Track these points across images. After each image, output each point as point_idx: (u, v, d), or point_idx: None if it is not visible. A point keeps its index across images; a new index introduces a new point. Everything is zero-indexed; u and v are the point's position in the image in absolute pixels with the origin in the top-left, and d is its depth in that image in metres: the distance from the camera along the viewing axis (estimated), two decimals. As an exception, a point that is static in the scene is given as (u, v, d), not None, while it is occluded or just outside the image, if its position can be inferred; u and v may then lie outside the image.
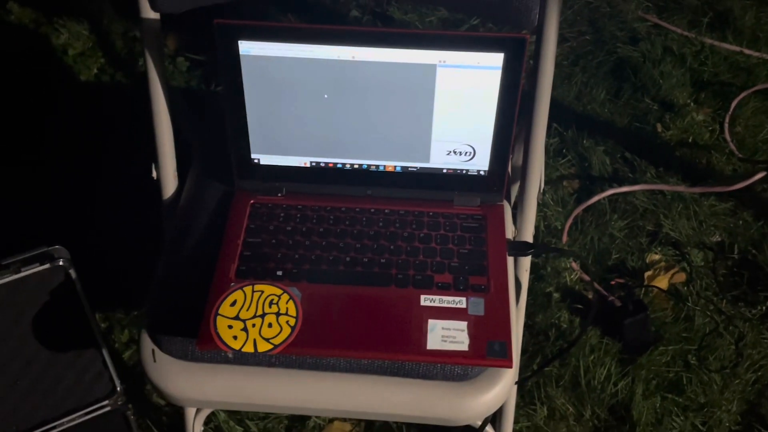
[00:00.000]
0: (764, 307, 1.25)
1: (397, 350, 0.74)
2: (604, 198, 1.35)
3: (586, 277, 1.27)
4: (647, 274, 1.27)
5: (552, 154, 1.42)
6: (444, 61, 0.76)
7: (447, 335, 0.75)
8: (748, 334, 1.22)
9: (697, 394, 1.16)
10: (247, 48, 0.76)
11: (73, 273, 0.94)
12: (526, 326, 1.22)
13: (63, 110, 1.48)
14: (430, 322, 0.76)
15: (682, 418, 1.14)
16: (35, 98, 1.50)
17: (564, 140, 1.44)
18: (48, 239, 0.93)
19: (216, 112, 1.02)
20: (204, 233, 0.86)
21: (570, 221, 1.32)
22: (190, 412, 1.05)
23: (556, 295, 1.25)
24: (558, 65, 1.56)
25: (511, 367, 0.74)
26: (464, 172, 0.85)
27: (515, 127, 0.81)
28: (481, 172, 0.84)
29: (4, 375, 0.97)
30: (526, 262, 0.91)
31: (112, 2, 1.61)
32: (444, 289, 0.78)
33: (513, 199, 0.94)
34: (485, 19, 1.37)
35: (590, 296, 1.26)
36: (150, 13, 0.84)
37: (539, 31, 0.81)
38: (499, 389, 0.77)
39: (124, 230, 1.28)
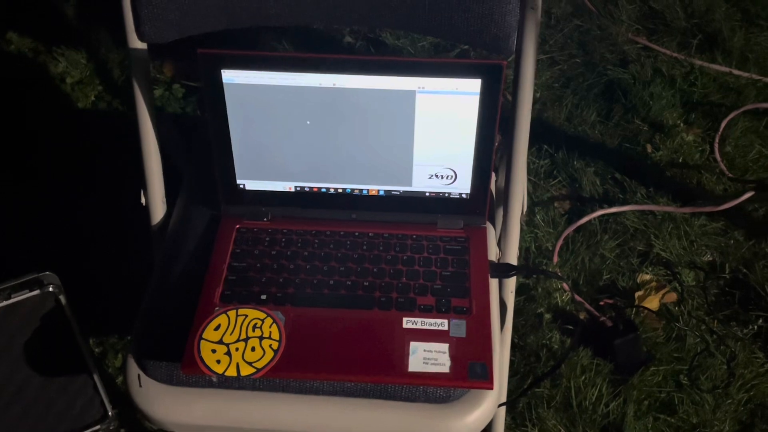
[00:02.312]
0: (756, 327, 1.25)
1: (379, 373, 0.75)
2: (594, 219, 1.36)
3: (578, 298, 1.28)
4: (638, 294, 1.27)
5: (543, 176, 1.43)
6: (423, 88, 0.78)
7: (429, 357, 0.76)
8: (739, 354, 1.22)
9: (689, 414, 1.16)
10: (230, 76, 0.78)
11: (63, 299, 0.95)
12: (518, 347, 1.23)
13: (59, 136, 1.50)
14: (412, 344, 0.76)
15: (674, 438, 1.14)
16: (32, 124, 1.52)
17: (555, 161, 1.45)
18: (39, 265, 0.95)
19: (204, 139, 1.04)
20: (191, 258, 0.87)
21: (560, 242, 1.33)
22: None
23: (547, 315, 1.26)
24: (549, 87, 1.58)
25: (492, 388, 0.75)
26: (446, 195, 0.86)
27: (495, 150, 0.82)
28: (463, 195, 0.85)
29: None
30: (511, 283, 0.91)
31: (109, 32, 1.64)
32: (426, 312, 0.79)
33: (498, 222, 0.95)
34: (466, 45, 1.39)
35: (581, 317, 1.26)
36: (137, 43, 0.86)
37: (517, 57, 0.82)
38: (482, 411, 0.77)
39: (117, 255, 1.30)
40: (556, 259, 1.32)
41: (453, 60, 0.75)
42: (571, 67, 1.61)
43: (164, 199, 0.94)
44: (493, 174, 0.97)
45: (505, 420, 1.13)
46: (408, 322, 0.78)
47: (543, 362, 1.20)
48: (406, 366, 0.75)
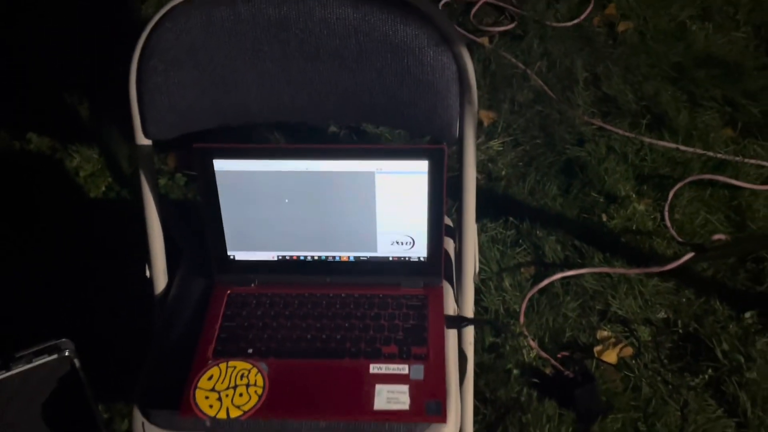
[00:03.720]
0: (706, 376, 1.37)
1: (349, 412, 0.87)
2: (556, 282, 1.50)
3: (543, 354, 1.40)
4: (597, 348, 1.39)
5: (509, 244, 1.58)
6: (381, 169, 0.93)
7: (391, 397, 0.88)
8: (692, 402, 1.33)
9: (647, 458, 1.27)
10: (220, 165, 0.94)
11: (77, 363, 1.07)
12: (489, 401, 1.34)
13: (74, 221, 1.66)
14: (377, 386, 0.89)
15: (634, 481, 1.24)
16: (49, 211, 1.68)
17: (520, 231, 1.60)
18: (56, 332, 1.08)
19: (200, 219, 1.19)
20: (188, 321, 1.00)
21: (525, 303, 1.46)
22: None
23: (515, 371, 1.37)
24: (514, 166, 1.75)
25: (445, 422, 0.87)
26: (407, 259, 1.00)
27: (443, 220, 0.97)
28: (421, 259, 1.00)
29: (14, 458, 1.09)
30: (468, 335, 1.04)
31: (118, 130, 1.82)
32: (390, 359, 0.92)
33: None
34: (419, 134, 1.55)
35: (547, 371, 1.38)
36: (143, 140, 1.02)
37: (460, 142, 0.98)
38: (440, 446, 0.89)
39: (124, 322, 1.42)
40: (522, 319, 1.45)
41: (404, 146, 0.89)
42: (533, 148, 1.78)
43: (166, 272, 1.09)
44: (452, 240, 1.12)
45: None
46: (374, 368, 0.91)
47: (511, 414, 1.31)
48: (372, 405, 0.87)
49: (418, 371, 0.90)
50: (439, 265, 1.00)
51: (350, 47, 0.94)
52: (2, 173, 1.77)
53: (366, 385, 0.89)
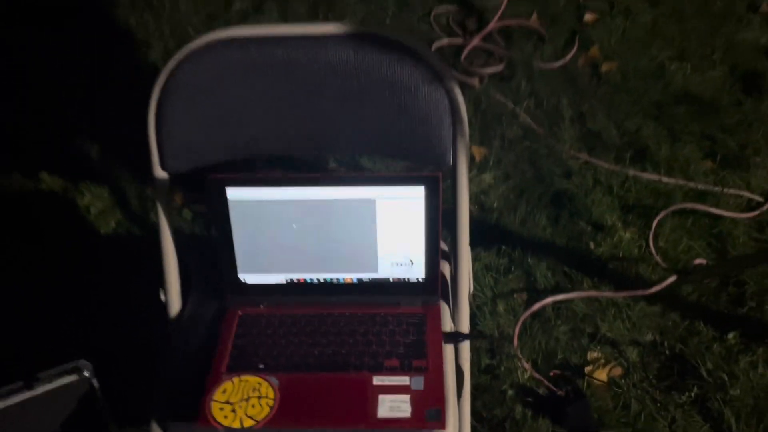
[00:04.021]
0: (692, 394, 1.43)
1: (355, 420, 0.94)
2: (548, 306, 1.57)
3: (536, 375, 1.46)
4: (587, 369, 1.46)
5: (503, 272, 1.65)
6: (381, 195, 1.02)
7: (394, 406, 0.95)
8: (679, 418, 1.39)
9: (638, 472, 1.32)
10: (232, 194, 1.02)
11: (95, 383, 1.14)
12: (485, 420, 1.40)
13: (87, 256, 1.73)
14: (380, 397, 0.96)
15: (626, 495, 1.30)
16: (61, 248, 1.76)
17: (512, 259, 1.68)
18: (77, 354, 1.14)
19: (210, 249, 1.27)
20: (201, 340, 1.07)
21: (518, 327, 1.53)
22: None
23: (510, 391, 1.44)
24: (505, 198, 1.83)
25: (444, 429, 0.93)
26: (406, 280, 1.08)
27: (440, 242, 1.05)
28: (419, 279, 1.07)
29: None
30: (465, 351, 1.11)
31: (126, 170, 1.91)
32: (392, 371, 0.98)
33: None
34: (414, 163, 1.63)
35: (540, 392, 1.44)
36: (160, 173, 1.10)
37: (453, 169, 1.07)
38: (439, 451, 0.95)
39: (141, 345, 1.48)
40: (516, 342, 1.51)
41: (401, 174, 0.97)
42: (523, 181, 1.87)
43: (180, 296, 1.16)
44: (448, 264, 1.19)
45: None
46: (377, 380, 0.98)
47: (507, 430, 1.37)
48: (376, 414, 0.94)
49: (418, 382, 0.97)
50: (436, 285, 1.07)
51: (352, 86, 1.03)
52: (16, 211, 1.85)
53: (370, 395, 0.96)
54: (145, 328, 1.44)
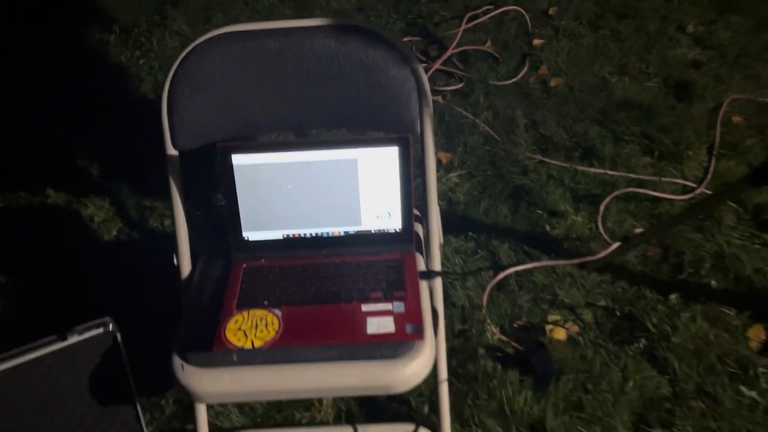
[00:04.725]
0: (641, 345, 1.62)
1: (349, 338, 1.12)
2: (511, 277, 1.76)
3: (504, 337, 1.64)
4: (548, 328, 1.65)
5: (470, 253, 1.85)
6: (362, 155, 1.22)
7: (381, 324, 1.13)
8: (630, 365, 1.58)
9: (595, 409, 1.50)
10: (237, 160, 1.21)
11: (119, 336, 1.30)
12: (460, 375, 1.57)
13: (91, 263, 1.89)
14: (369, 319, 1.14)
15: (586, 429, 1.47)
16: (68, 252, 1.92)
17: (478, 243, 1.87)
18: (101, 312, 1.31)
19: (213, 221, 1.44)
20: (211, 291, 1.25)
21: (486, 296, 1.72)
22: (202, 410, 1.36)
23: (481, 350, 1.62)
24: (470, 194, 2.04)
25: (422, 339, 1.11)
26: (386, 231, 1.27)
27: (413, 196, 1.24)
28: (397, 230, 1.27)
29: (66, 419, 1.29)
30: (438, 293, 1.30)
31: (126, 182, 2.09)
32: (377, 300, 1.17)
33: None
34: (388, 132, 1.85)
35: (508, 350, 1.62)
36: (172, 150, 1.29)
37: (422, 135, 1.27)
38: (420, 361, 1.12)
39: (155, 305, 1.62)
40: (485, 310, 1.70)
41: (379, 137, 1.14)
42: (485, 179, 2.09)
43: (190, 260, 1.33)
44: (421, 226, 1.39)
45: (454, 426, 1.46)
46: (365, 307, 1.16)
47: (480, 382, 1.54)
48: (366, 332, 1.12)
49: (399, 307, 1.16)
50: (411, 235, 1.27)
51: (333, 68, 1.25)
52: (25, 224, 2.01)
53: (360, 318, 1.14)
54: (164, 288, 1.60)
